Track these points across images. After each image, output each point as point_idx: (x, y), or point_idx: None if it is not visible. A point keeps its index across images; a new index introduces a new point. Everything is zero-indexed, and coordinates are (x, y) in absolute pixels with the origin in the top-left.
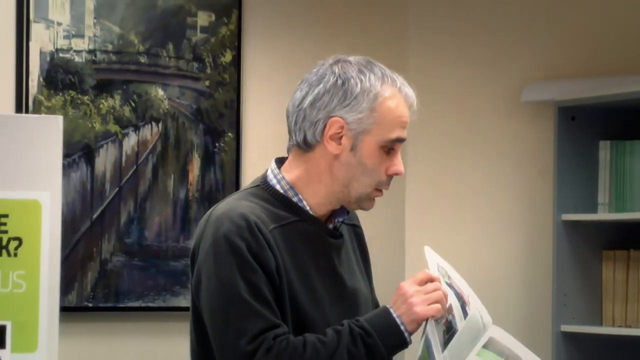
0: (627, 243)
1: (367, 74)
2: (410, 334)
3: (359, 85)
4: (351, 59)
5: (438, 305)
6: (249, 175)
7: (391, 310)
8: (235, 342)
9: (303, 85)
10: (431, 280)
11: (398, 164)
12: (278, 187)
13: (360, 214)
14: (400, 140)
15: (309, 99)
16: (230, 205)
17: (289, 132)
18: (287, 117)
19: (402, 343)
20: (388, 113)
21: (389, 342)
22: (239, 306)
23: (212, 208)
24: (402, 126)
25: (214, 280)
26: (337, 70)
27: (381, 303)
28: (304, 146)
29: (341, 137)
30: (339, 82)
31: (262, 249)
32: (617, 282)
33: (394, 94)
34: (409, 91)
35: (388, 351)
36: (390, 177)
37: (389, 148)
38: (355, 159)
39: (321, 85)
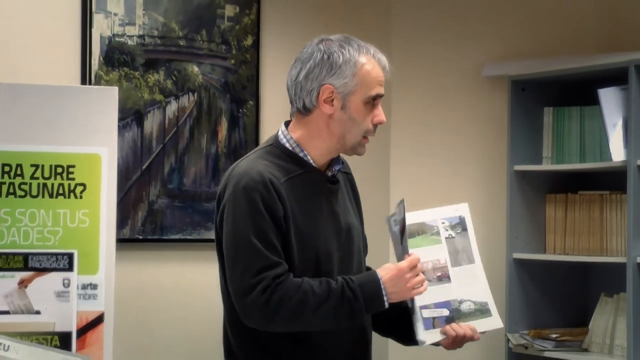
0: (566, 188)
1: (347, 47)
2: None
3: (341, 57)
4: (332, 37)
5: (423, 288)
6: (266, 134)
7: (382, 284)
8: (241, 276)
9: (297, 63)
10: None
11: (380, 114)
12: (287, 145)
13: (354, 161)
14: (379, 95)
15: (303, 73)
16: (250, 163)
17: (290, 101)
18: (288, 90)
19: (379, 307)
20: (367, 75)
21: (370, 309)
22: (246, 246)
23: (235, 163)
24: (380, 84)
25: (231, 223)
26: (322, 47)
27: (368, 234)
28: (304, 111)
29: (332, 100)
30: (325, 56)
31: (273, 201)
32: (558, 219)
33: (369, 59)
34: (381, 56)
35: (368, 312)
36: (375, 125)
37: (372, 103)
38: (346, 115)
39: (311, 61)
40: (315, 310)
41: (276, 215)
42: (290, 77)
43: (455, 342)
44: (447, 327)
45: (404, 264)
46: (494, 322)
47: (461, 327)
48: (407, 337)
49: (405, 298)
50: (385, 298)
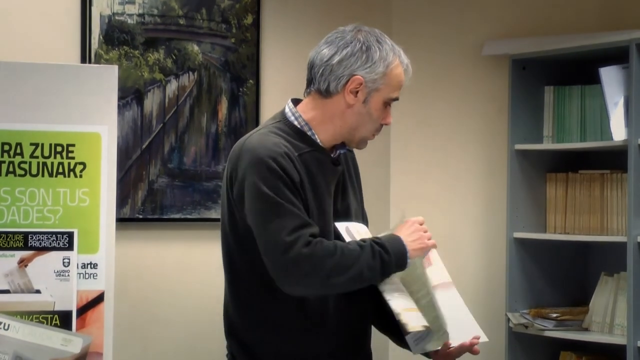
0: (566, 167)
1: (383, 45)
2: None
3: (377, 53)
4: (367, 29)
5: (435, 241)
6: (267, 113)
7: (402, 239)
8: (276, 236)
9: (330, 46)
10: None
11: (389, 117)
12: (296, 123)
13: None
14: (397, 99)
15: (338, 57)
16: (262, 137)
17: (311, 80)
18: (312, 68)
19: (404, 265)
20: (394, 78)
21: (398, 264)
22: (275, 208)
23: (243, 138)
24: (400, 88)
25: (255, 191)
26: (361, 38)
27: (367, 209)
28: (325, 93)
29: (357, 92)
30: (364, 47)
31: (291, 168)
32: (558, 198)
33: (399, 64)
34: (409, 63)
35: (395, 269)
36: (382, 125)
37: (387, 104)
38: (365, 109)
39: (349, 48)
40: (352, 266)
41: (295, 181)
42: (321, 57)
43: (450, 355)
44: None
45: (413, 219)
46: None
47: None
48: (403, 339)
49: (423, 251)
50: (407, 254)
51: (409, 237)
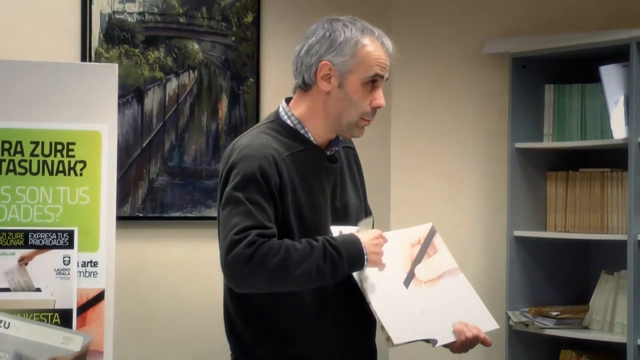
0: (566, 166)
1: (350, 27)
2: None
3: (342, 36)
4: (340, 17)
5: (384, 264)
6: (267, 111)
7: (362, 243)
8: (227, 233)
9: (302, 39)
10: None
11: (379, 98)
12: (289, 122)
13: (355, 139)
14: (378, 76)
15: (305, 48)
16: (253, 137)
17: (294, 77)
18: (292, 66)
19: (359, 267)
20: (367, 56)
21: (352, 267)
22: (237, 207)
23: (236, 139)
24: (380, 66)
25: (227, 187)
26: (326, 26)
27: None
28: (304, 87)
29: (330, 77)
30: (327, 34)
31: (271, 171)
32: (558, 196)
33: (372, 41)
34: (386, 40)
35: (348, 271)
36: (374, 109)
37: (372, 83)
38: (342, 94)
39: (313, 37)
40: (298, 265)
41: (272, 185)
42: (295, 52)
43: (465, 345)
44: (460, 327)
45: (381, 233)
46: (489, 324)
47: (471, 328)
48: None
49: (375, 265)
50: (365, 257)
51: (372, 248)
